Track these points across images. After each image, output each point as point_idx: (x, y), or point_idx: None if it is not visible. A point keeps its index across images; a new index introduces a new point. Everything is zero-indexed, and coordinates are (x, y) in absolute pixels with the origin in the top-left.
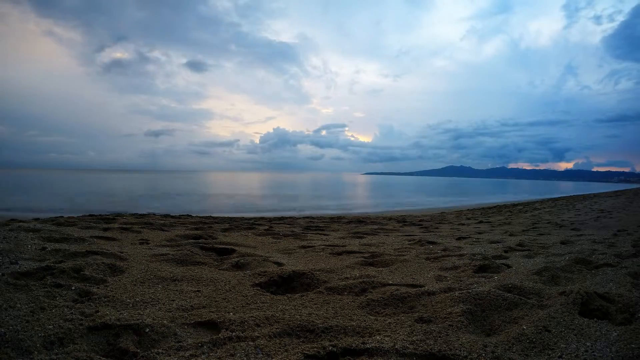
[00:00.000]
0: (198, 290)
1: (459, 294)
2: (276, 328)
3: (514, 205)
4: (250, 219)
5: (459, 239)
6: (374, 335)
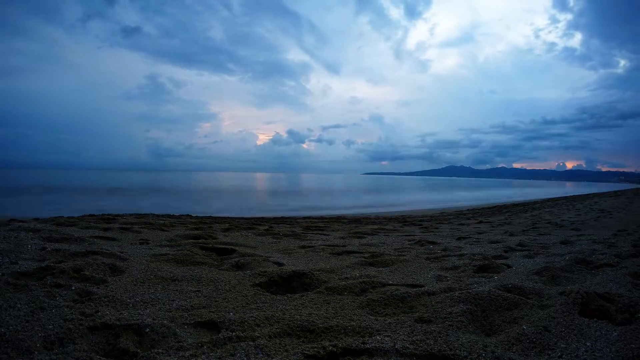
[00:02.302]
0: (198, 290)
1: (459, 294)
2: (276, 328)
3: (514, 205)
4: (250, 219)
5: (459, 239)
6: (374, 335)
